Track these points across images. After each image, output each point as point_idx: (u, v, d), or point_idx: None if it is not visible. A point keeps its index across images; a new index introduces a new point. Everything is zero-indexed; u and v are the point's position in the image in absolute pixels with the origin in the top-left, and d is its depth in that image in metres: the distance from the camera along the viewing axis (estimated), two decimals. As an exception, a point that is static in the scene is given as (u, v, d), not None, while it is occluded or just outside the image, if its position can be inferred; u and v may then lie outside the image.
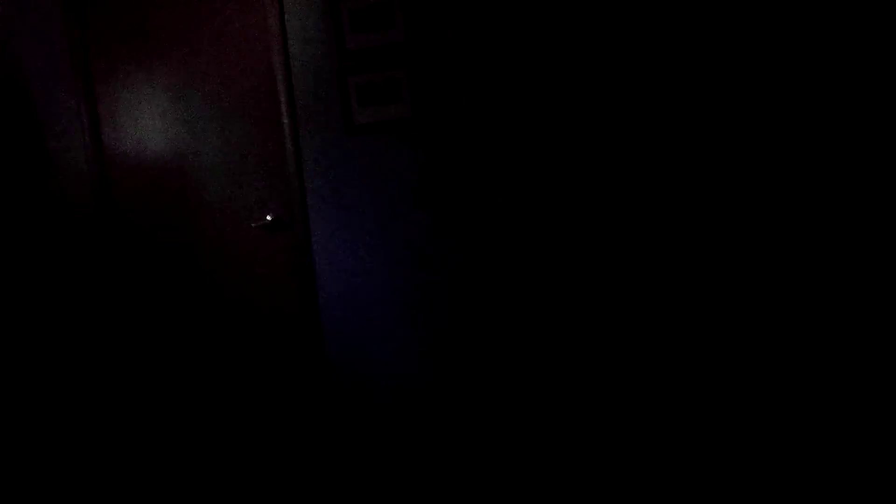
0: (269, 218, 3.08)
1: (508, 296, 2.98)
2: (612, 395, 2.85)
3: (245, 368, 3.18)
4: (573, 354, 2.91)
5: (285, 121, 3.00)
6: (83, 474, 3.03)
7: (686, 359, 2.77)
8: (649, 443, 2.71)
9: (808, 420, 2.28)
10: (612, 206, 2.90)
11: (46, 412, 3.16)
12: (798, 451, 2.10)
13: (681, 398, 2.75)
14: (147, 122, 3.07)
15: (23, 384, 3.14)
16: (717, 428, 2.65)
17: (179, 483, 2.89)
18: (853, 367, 2.41)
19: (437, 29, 2.92)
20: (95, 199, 3.07)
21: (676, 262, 2.80)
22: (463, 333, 3.03)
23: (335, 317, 3.11)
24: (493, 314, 3.00)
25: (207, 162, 3.07)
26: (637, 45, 2.76)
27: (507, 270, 2.98)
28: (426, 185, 3.02)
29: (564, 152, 2.94)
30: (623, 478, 2.53)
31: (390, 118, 3.00)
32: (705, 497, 2.27)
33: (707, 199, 2.74)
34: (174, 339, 3.19)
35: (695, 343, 2.76)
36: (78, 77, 3.02)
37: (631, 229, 2.88)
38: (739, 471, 2.24)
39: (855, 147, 2.51)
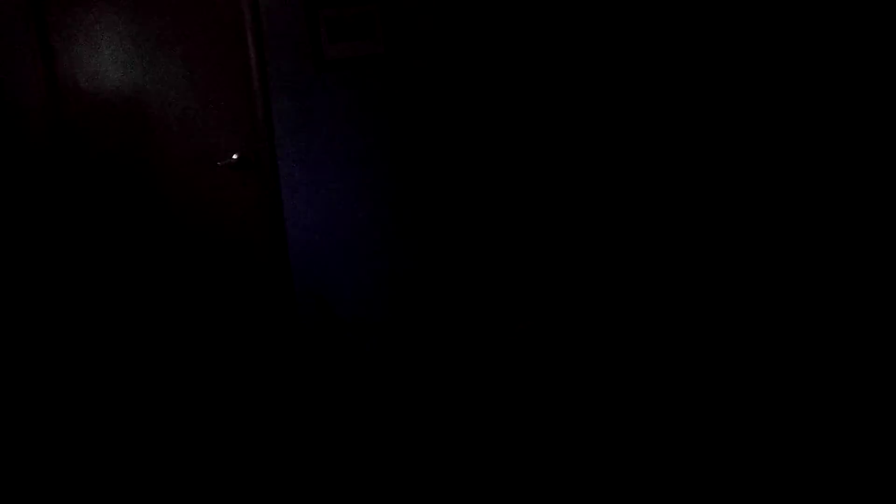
0: (234, 157, 2.95)
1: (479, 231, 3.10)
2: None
3: (213, 301, 3.07)
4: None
5: (252, 55, 2.87)
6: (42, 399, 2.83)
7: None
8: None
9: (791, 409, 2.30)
10: (584, 149, 3.07)
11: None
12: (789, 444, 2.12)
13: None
14: (105, 53, 2.78)
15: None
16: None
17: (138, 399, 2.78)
18: (851, 362, 2.45)
19: (410, -35, 2.89)
20: (49, 129, 2.78)
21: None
22: (427, 272, 3.11)
23: (303, 252, 3.06)
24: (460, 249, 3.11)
25: (171, 98, 2.86)
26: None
27: (476, 209, 3.09)
28: (397, 122, 3.02)
29: (536, 91, 3.05)
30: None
31: (362, 54, 2.96)
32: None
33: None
34: (137, 273, 3.00)
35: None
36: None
37: (609, 161, 3.07)
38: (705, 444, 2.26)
39: (852, 147, 2.54)
